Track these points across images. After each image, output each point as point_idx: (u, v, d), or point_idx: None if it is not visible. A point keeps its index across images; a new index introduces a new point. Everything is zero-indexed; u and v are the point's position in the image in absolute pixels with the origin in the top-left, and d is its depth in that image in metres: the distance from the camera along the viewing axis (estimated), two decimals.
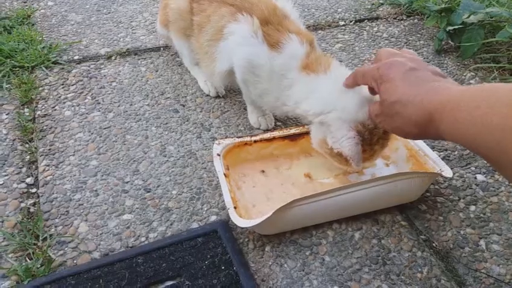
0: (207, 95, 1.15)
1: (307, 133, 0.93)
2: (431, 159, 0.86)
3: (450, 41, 1.35)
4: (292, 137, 0.96)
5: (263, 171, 0.93)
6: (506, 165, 0.48)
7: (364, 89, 0.78)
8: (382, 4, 1.59)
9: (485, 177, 0.93)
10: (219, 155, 0.89)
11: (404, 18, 1.52)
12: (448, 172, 0.82)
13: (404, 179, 0.80)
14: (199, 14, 1.04)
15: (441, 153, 0.99)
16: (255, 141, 0.94)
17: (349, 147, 0.78)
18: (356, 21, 1.49)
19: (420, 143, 0.89)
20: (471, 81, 1.22)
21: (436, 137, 0.60)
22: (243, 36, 0.91)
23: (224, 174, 0.84)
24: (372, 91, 0.76)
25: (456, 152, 0.99)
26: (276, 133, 0.95)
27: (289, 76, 0.88)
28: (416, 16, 1.53)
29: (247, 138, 0.93)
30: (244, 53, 0.91)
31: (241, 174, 0.92)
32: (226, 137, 0.95)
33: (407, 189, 0.83)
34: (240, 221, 0.75)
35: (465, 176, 0.94)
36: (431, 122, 0.57)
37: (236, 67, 0.95)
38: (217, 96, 1.15)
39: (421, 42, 1.40)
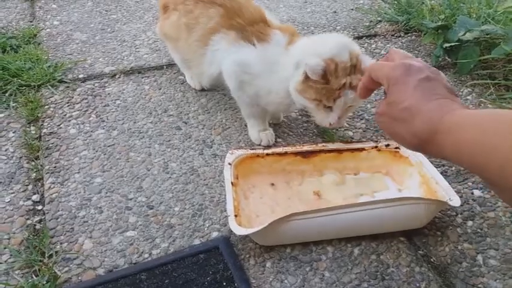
0: (208, 112, 1.18)
1: (320, 151, 0.97)
2: (442, 187, 0.86)
3: (447, 58, 1.38)
4: (305, 154, 0.97)
5: (273, 184, 0.95)
6: (506, 189, 0.50)
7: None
8: (380, 21, 1.62)
9: (482, 192, 0.95)
10: (230, 164, 0.92)
11: (402, 35, 1.55)
12: (456, 201, 0.82)
13: (409, 204, 0.82)
14: (186, 15, 1.08)
15: (438, 168, 1.00)
16: (267, 154, 0.96)
17: (313, 60, 0.86)
18: (355, 38, 1.52)
19: (433, 170, 0.90)
20: (468, 97, 1.25)
21: (435, 154, 0.60)
22: (225, 48, 1.01)
23: (232, 182, 0.87)
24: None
25: (454, 168, 1.01)
26: (289, 148, 0.98)
27: (278, 59, 0.96)
28: (413, 33, 1.56)
29: (260, 151, 0.96)
30: (234, 61, 1.00)
31: (251, 185, 0.94)
32: (240, 148, 0.98)
33: (412, 215, 0.83)
34: (237, 229, 0.78)
35: (462, 191, 0.95)
36: (433, 140, 0.58)
37: (229, 75, 1.02)
38: (219, 113, 1.17)
39: (418, 58, 1.42)
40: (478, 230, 0.87)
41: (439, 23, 1.40)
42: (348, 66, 0.88)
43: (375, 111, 0.71)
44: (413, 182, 0.93)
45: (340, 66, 0.87)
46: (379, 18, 1.63)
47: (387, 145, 0.98)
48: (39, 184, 0.96)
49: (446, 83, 0.64)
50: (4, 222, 0.87)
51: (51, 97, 1.23)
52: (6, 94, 1.22)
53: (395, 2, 1.66)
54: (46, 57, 1.39)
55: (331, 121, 0.92)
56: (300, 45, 0.95)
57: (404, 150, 0.97)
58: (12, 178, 0.97)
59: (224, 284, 0.75)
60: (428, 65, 0.66)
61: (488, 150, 0.50)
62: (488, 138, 0.51)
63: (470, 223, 0.88)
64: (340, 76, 0.87)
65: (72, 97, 1.23)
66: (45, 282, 0.76)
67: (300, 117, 1.18)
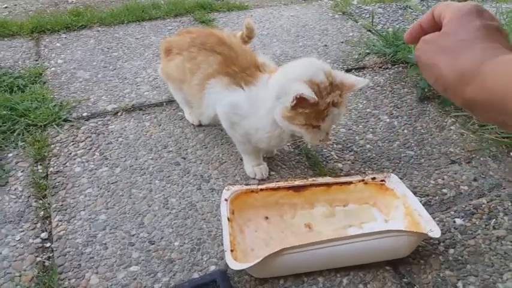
0: (206, 147, 1.25)
1: (311, 185, 1.04)
2: (424, 219, 0.92)
3: (432, 89, 1.46)
4: (296, 188, 1.04)
5: (267, 218, 1.01)
6: None
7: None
8: (368, 54, 1.71)
9: (463, 221, 1.01)
10: (226, 200, 0.98)
11: (389, 67, 1.63)
12: (436, 232, 0.88)
13: (393, 236, 0.88)
14: (190, 61, 1.17)
15: (423, 198, 1.07)
16: (261, 190, 1.03)
17: (299, 87, 0.91)
18: (344, 71, 1.60)
19: (416, 203, 0.96)
20: (451, 127, 1.32)
21: (466, 97, 0.55)
22: (219, 92, 1.08)
23: (228, 218, 0.93)
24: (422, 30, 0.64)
25: (437, 197, 1.08)
26: (281, 183, 1.04)
27: (260, 96, 1.02)
28: (400, 64, 1.64)
29: (254, 186, 1.03)
30: (225, 103, 1.08)
31: (246, 219, 1.00)
32: (236, 183, 1.04)
33: (395, 246, 0.89)
34: (233, 264, 0.83)
35: (445, 220, 1.01)
36: (474, 77, 0.53)
37: (222, 116, 1.10)
38: (216, 147, 1.24)
39: (405, 90, 1.50)
40: (459, 258, 0.93)
41: None
42: (327, 86, 0.94)
43: (421, 38, 0.61)
44: (398, 213, 0.99)
45: (321, 86, 0.94)
46: (367, 51, 1.72)
47: (373, 178, 1.04)
48: (47, 222, 1.03)
49: (507, 41, 0.59)
50: (16, 260, 0.93)
51: (56, 136, 1.30)
52: (15, 134, 1.29)
53: (383, 35, 1.74)
54: (52, 96, 1.47)
55: (320, 138, 0.99)
56: (276, 75, 1.01)
57: (389, 183, 1.03)
58: (22, 217, 1.04)
59: None
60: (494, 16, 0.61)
61: None
62: None
63: (451, 251, 0.94)
64: (324, 96, 0.94)
65: (77, 135, 1.30)
66: None
67: (292, 150, 1.25)
